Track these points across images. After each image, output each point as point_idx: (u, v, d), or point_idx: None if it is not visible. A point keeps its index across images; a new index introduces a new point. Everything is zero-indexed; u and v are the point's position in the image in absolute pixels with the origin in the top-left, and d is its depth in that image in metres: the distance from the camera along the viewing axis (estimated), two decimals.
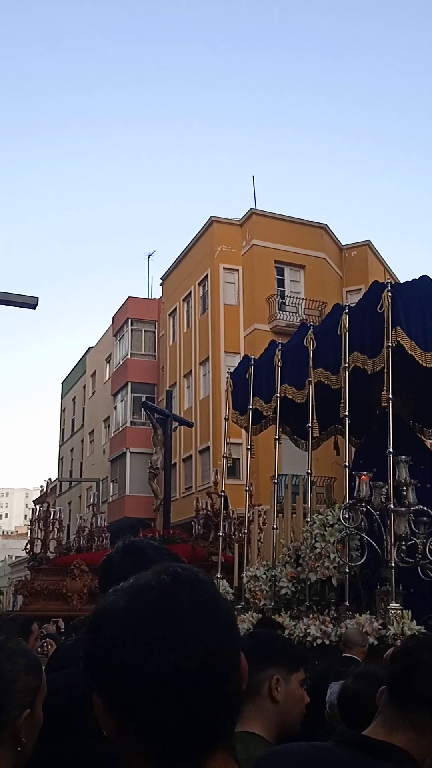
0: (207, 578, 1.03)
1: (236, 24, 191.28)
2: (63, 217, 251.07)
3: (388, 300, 8.39)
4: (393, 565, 7.65)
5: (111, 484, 34.40)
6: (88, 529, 20.74)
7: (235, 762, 0.99)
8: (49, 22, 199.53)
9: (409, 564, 7.76)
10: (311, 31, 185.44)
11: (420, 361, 8.24)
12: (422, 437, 11.00)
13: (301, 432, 10.67)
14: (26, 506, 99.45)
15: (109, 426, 36.22)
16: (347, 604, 8.06)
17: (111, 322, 37.27)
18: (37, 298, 11.84)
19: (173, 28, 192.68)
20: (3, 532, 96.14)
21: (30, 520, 19.09)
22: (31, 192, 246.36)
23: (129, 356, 34.23)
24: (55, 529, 18.29)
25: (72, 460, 43.86)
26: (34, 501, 27.81)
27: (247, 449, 11.43)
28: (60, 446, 47.22)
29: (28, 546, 18.29)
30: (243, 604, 9.83)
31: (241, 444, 15.75)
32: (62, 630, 12.19)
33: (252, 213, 29.25)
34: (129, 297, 35.42)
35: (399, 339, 8.25)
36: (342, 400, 8.99)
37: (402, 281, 9.67)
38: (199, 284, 30.42)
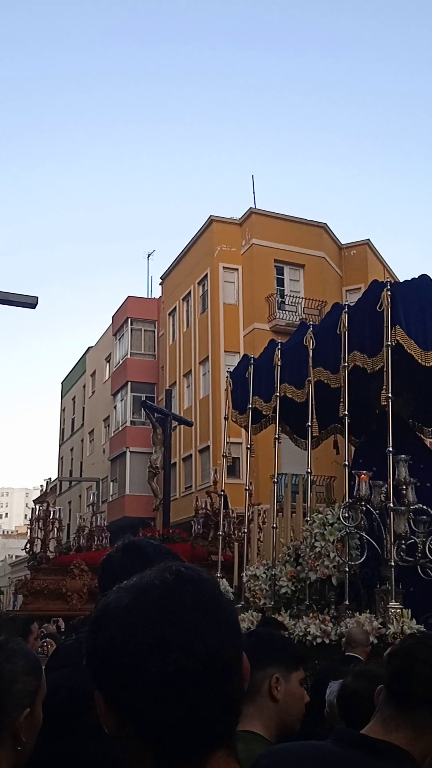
0: (210, 578, 1.03)
1: (236, 24, 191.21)
2: (63, 217, 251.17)
3: (387, 299, 8.39)
4: (393, 563, 7.64)
5: (111, 483, 34.40)
6: (87, 528, 20.75)
7: (236, 761, 0.99)
8: (49, 22, 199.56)
9: (409, 563, 7.76)
10: (311, 31, 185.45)
11: (419, 360, 8.24)
12: (422, 436, 10.99)
13: (301, 431, 10.67)
14: (26, 506, 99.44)
15: (108, 425, 36.21)
16: (347, 603, 8.06)
17: (111, 322, 37.25)
18: (37, 297, 11.85)
19: (173, 28, 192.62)
20: (3, 531, 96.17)
21: (30, 520, 19.10)
22: (31, 192, 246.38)
23: (129, 356, 34.22)
24: (55, 529, 18.31)
25: (72, 459, 43.86)
26: (34, 500, 27.81)
27: (247, 448, 11.43)
28: (60, 446, 47.22)
29: (28, 545, 18.30)
30: (243, 603, 9.83)
31: (240, 443, 15.76)
32: (62, 629, 12.18)
33: (251, 212, 29.24)
34: (129, 296, 35.41)
35: (398, 338, 8.25)
36: (341, 399, 8.98)
37: (401, 280, 9.67)
38: (198, 283, 30.41)
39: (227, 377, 12.33)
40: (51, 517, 18.36)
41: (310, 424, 9.72)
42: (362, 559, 8.14)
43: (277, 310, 27.78)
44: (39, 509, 18.76)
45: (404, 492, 7.94)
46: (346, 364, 8.94)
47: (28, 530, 18.99)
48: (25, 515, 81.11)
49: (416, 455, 8.62)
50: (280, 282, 28.86)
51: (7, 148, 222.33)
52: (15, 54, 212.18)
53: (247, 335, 27.66)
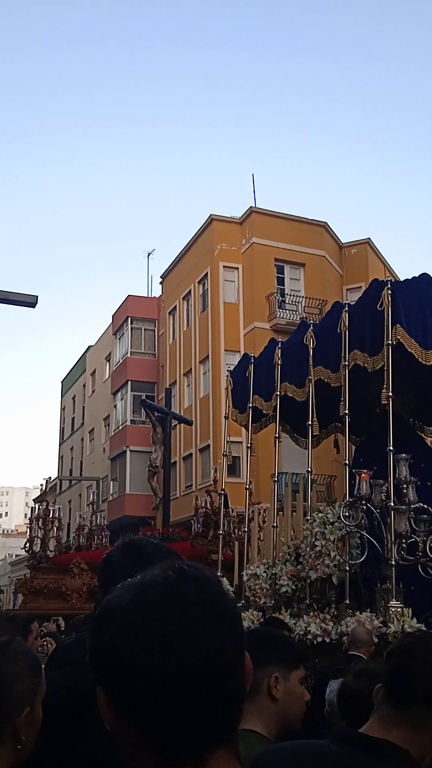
0: (213, 576, 1.02)
1: (236, 23, 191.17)
2: (63, 216, 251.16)
3: (388, 298, 8.38)
4: (393, 562, 7.64)
5: (111, 482, 34.40)
6: (87, 527, 20.74)
7: (237, 761, 0.99)
8: (49, 22, 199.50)
9: (410, 562, 7.76)
10: (311, 31, 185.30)
11: (420, 359, 8.23)
12: (422, 435, 10.98)
13: (301, 430, 10.66)
14: (26, 505, 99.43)
15: (109, 424, 36.21)
16: (347, 602, 8.06)
17: (111, 321, 37.24)
18: (37, 296, 11.84)
19: (173, 28, 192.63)
20: (3, 530, 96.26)
21: (29, 519, 19.09)
22: (31, 192, 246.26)
23: (129, 355, 34.21)
24: (55, 528, 18.29)
25: (72, 458, 43.86)
26: (34, 499, 27.82)
27: (247, 447, 11.43)
28: (60, 445, 47.22)
29: (28, 544, 18.30)
30: (243, 602, 9.83)
31: (241, 442, 15.74)
32: (62, 628, 12.19)
33: (252, 211, 29.23)
34: (129, 295, 35.40)
35: (399, 337, 8.25)
36: (342, 398, 8.98)
37: (402, 279, 9.67)
38: (198, 282, 30.40)
39: (227, 376, 12.33)
40: (51, 516, 18.35)
41: (310, 423, 9.72)
42: (363, 558, 8.14)
43: (277, 309, 27.78)
44: (39, 508, 18.75)
45: (405, 491, 7.95)
46: (347, 363, 8.93)
47: (28, 529, 18.99)
48: (25, 514, 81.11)
49: (417, 454, 8.62)
50: (281, 281, 28.85)
51: (7, 148, 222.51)
52: (15, 54, 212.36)
53: (248, 334, 27.66)
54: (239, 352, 24.11)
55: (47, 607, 15.51)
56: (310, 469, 9.79)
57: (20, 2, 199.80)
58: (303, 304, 28.01)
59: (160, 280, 35.08)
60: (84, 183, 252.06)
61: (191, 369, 30.29)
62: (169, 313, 33.26)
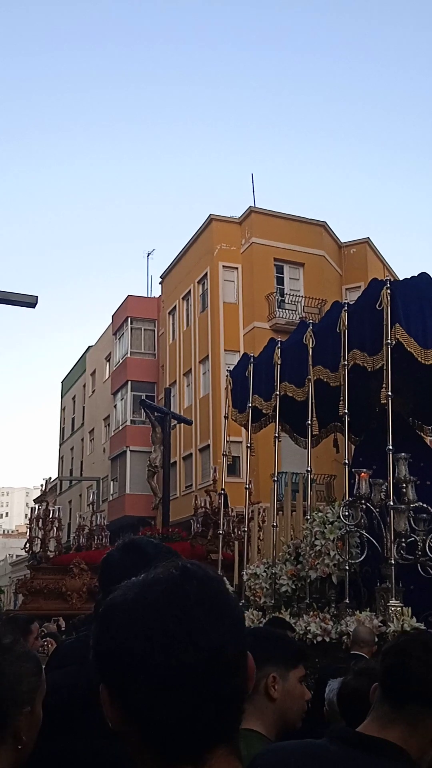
0: (216, 575, 1.03)
1: (235, 24, 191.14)
2: (63, 216, 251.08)
3: (387, 297, 8.38)
4: (393, 562, 7.64)
5: (111, 482, 34.38)
6: (87, 527, 20.73)
7: (238, 760, 0.99)
8: (49, 22, 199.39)
9: (409, 561, 7.76)
10: (310, 31, 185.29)
11: (419, 359, 8.24)
12: (422, 434, 10.99)
13: (301, 430, 10.67)
14: (27, 505, 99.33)
15: (109, 425, 36.20)
16: (347, 601, 8.07)
17: (111, 321, 37.22)
18: (37, 296, 11.83)
19: (173, 28, 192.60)
20: (3, 531, 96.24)
21: (30, 519, 19.09)
22: (31, 192, 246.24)
23: (129, 355, 34.20)
24: (55, 528, 18.28)
25: (72, 458, 43.84)
26: (34, 500, 27.81)
27: (247, 447, 11.44)
28: (60, 445, 47.19)
29: (28, 545, 18.30)
30: (243, 602, 9.83)
31: (240, 442, 15.76)
32: (63, 628, 12.20)
33: (251, 211, 29.22)
34: (128, 295, 35.39)
35: (398, 336, 8.25)
36: (341, 398, 8.98)
37: (401, 278, 9.67)
38: (198, 282, 30.40)
39: (227, 376, 12.34)
40: (51, 516, 18.34)
41: (310, 422, 9.73)
42: (362, 557, 8.14)
43: (276, 309, 27.77)
44: (39, 508, 18.75)
45: (404, 490, 7.95)
46: (346, 362, 8.93)
47: (28, 529, 18.98)
48: (26, 515, 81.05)
49: (416, 453, 8.63)
50: (280, 281, 28.84)
51: (7, 148, 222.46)
52: (15, 54, 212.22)
53: (247, 334, 27.65)
54: (239, 351, 24.10)
55: (47, 608, 15.51)
56: (309, 469, 9.80)
57: (20, 2, 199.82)
58: (302, 304, 28.00)
59: (160, 280, 35.07)
60: (84, 183, 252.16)
61: (191, 369, 30.28)
62: (169, 313, 33.25)
